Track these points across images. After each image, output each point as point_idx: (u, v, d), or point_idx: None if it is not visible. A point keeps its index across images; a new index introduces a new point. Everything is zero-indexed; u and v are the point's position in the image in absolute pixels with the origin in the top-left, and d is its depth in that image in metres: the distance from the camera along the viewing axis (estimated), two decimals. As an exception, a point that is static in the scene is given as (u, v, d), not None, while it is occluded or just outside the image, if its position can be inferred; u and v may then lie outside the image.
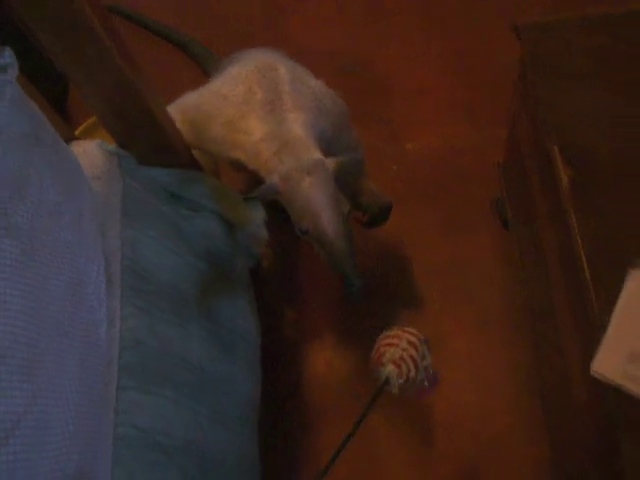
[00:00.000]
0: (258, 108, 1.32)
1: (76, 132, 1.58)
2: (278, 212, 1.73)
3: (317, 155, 1.27)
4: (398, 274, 1.84)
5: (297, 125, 1.31)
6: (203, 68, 2.09)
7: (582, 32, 1.32)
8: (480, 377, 1.70)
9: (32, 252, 0.88)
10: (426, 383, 1.15)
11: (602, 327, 1.05)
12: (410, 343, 1.11)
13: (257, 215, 1.47)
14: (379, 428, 1.65)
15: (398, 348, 1.10)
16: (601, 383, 1.03)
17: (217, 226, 1.38)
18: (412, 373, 1.10)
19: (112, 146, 1.26)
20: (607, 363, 1.04)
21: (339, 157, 1.30)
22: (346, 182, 1.44)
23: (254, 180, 1.44)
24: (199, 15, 2.34)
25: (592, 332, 1.07)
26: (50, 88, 1.74)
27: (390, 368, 1.09)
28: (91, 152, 1.23)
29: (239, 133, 1.33)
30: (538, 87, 1.26)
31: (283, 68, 1.39)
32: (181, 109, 1.46)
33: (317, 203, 1.23)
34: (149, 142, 1.33)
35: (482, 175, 1.87)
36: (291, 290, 1.85)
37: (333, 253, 1.25)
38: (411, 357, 1.10)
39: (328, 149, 1.35)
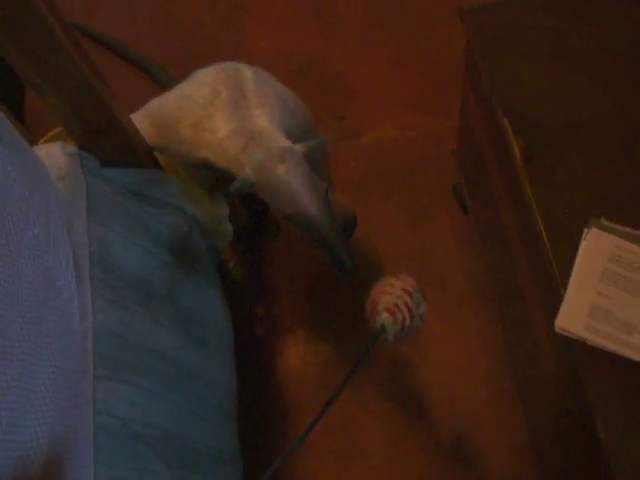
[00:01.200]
0: (224, 107, 1.33)
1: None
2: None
3: (285, 143, 1.28)
4: (365, 265, 1.85)
5: (262, 119, 1.32)
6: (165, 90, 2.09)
7: (525, 12, 1.37)
8: (452, 359, 1.73)
9: None
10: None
11: (564, 288, 1.10)
12: (404, 291, 1.10)
13: (221, 211, 1.49)
14: (353, 410, 1.68)
15: (392, 296, 1.09)
16: (566, 340, 1.07)
17: (182, 222, 1.40)
18: (407, 321, 1.09)
19: (74, 148, 1.27)
20: (570, 319, 1.08)
21: (305, 142, 1.30)
22: None
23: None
24: (152, 24, 2.36)
25: (555, 296, 1.10)
26: (8, 95, 1.74)
27: (385, 316, 1.08)
28: (54, 154, 1.24)
29: (205, 132, 1.34)
30: (484, 64, 1.30)
31: (247, 70, 1.42)
32: (148, 114, 1.47)
33: (295, 187, 1.23)
34: (111, 144, 1.34)
35: (439, 163, 1.91)
36: (260, 287, 1.87)
37: (320, 233, 1.24)
38: (406, 304, 1.09)
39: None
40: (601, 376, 1.04)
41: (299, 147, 1.28)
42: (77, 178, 1.20)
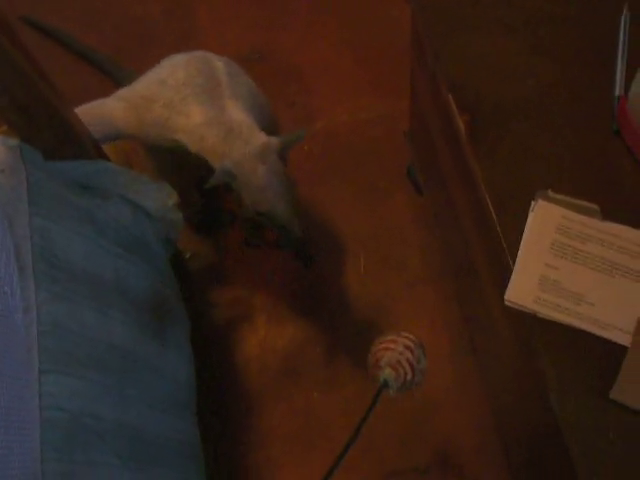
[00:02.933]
0: (199, 92, 1.36)
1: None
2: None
3: (263, 137, 1.32)
4: (324, 250, 1.86)
5: (239, 111, 1.35)
6: (116, 83, 2.05)
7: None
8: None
9: None
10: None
11: (513, 262, 1.10)
12: (406, 347, 1.12)
13: (169, 199, 1.47)
14: (315, 394, 1.68)
15: (395, 352, 1.12)
16: (517, 313, 1.07)
17: (130, 213, 1.38)
18: (409, 376, 1.11)
19: (15, 141, 1.24)
20: (519, 292, 1.08)
21: (282, 136, 1.35)
22: None
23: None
24: (99, 15, 2.33)
25: (505, 270, 1.10)
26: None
27: (388, 371, 1.10)
28: (-8, 148, 1.21)
29: (180, 115, 1.36)
30: (428, 41, 1.30)
31: (218, 61, 1.45)
32: (121, 97, 1.48)
33: (273, 190, 1.29)
34: (53, 137, 1.32)
35: (392, 144, 1.91)
36: (216, 276, 1.86)
37: (287, 232, 1.33)
38: (408, 360, 1.11)
39: None
40: (552, 347, 1.04)
41: (275, 142, 1.32)
42: (17, 171, 1.17)
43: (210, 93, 1.36)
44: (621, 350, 1.01)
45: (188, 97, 1.36)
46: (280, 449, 1.61)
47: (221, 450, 1.61)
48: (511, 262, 1.09)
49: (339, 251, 1.84)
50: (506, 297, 1.08)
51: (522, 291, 1.08)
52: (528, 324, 1.06)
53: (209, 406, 1.59)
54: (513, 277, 1.09)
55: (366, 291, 1.78)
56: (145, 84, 1.46)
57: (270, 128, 1.51)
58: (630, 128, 1.15)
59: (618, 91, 1.20)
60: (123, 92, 1.50)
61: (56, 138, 1.32)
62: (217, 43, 2.18)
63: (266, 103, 1.56)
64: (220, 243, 1.89)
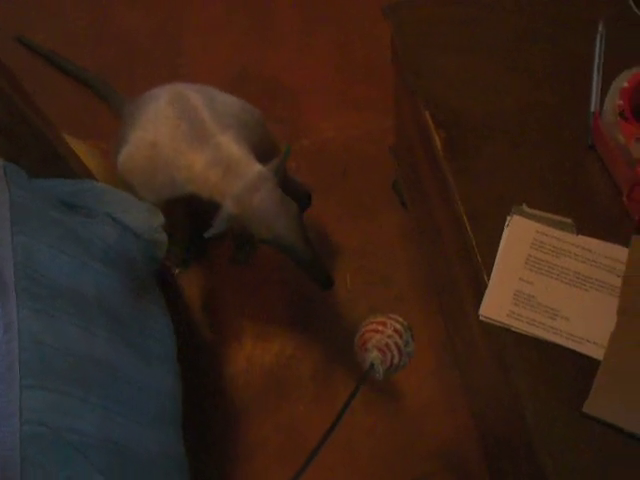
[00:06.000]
0: (189, 140, 1.37)
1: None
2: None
3: (257, 167, 1.34)
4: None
5: (231, 145, 1.37)
6: (109, 105, 2.08)
7: (443, 5, 1.39)
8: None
9: None
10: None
11: (488, 277, 1.11)
12: (395, 330, 1.12)
13: (155, 220, 1.49)
14: (300, 408, 1.69)
15: (384, 335, 1.11)
16: (492, 327, 1.08)
17: (114, 231, 1.39)
18: (396, 359, 1.11)
19: (-1, 160, 1.26)
20: (493, 306, 1.09)
21: (273, 161, 1.36)
22: None
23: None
24: (88, 36, 2.35)
25: (481, 285, 1.12)
26: None
27: (375, 354, 1.10)
28: (-26, 166, 1.23)
29: (182, 170, 1.39)
30: (406, 58, 1.32)
31: (192, 94, 1.44)
32: (125, 170, 1.51)
33: (270, 214, 1.31)
34: (38, 156, 1.35)
35: (379, 160, 1.93)
36: (205, 292, 1.87)
37: (296, 254, 1.34)
38: (396, 344, 1.11)
39: (258, 155, 1.41)
40: (526, 361, 1.05)
41: (269, 169, 1.34)
42: (0, 190, 1.18)
43: (199, 136, 1.37)
44: (595, 364, 1.03)
45: (181, 150, 1.38)
46: (265, 463, 1.62)
47: (207, 464, 1.61)
48: (486, 277, 1.11)
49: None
50: (480, 312, 1.09)
51: (496, 306, 1.09)
52: (502, 338, 1.07)
53: (195, 420, 1.60)
54: (487, 292, 1.10)
55: (352, 306, 1.79)
56: (138, 151, 1.47)
57: (262, 136, 1.54)
58: (603, 143, 1.17)
59: (594, 107, 1.22)
60: (125, 161, 1.51)
61: (41, 158, 1.35)
62: (205, 61, 2.21)
63: (250, 113, 1.56)
64: (208, 260, 1.90)
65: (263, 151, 1.47)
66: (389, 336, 1.11)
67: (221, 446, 1.65)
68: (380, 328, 1.12)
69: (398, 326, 1.12)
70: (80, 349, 1.17)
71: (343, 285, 1.82)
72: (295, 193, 1.68)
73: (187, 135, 1.38)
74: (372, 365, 1.10)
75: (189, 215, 1.72)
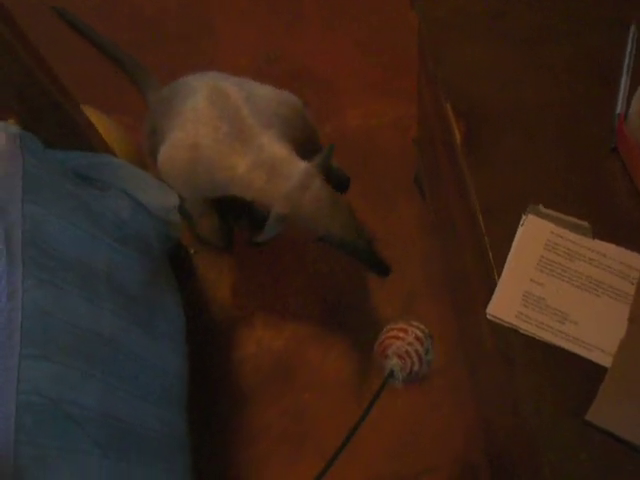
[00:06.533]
0: (230, 141, 1.37)
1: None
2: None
3: (302, 165, 1.33)
4: (332, 250, 1.85)
5: (274, 145, 1.36)
6: (139, 87, 2.07)
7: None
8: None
9: None
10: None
11: (498, 275, 1.09)
12: (416, 337, 1.12)
13: (169, 200, 1.49)
14: (306, 396, 1.69)
15: (404, 342, 1.11)
16: (499, 327, 1.06)
17: (129, 207, 1.39)
18: (416, 367, 1.11)
19: (14, 127, 1.26)
20: (502, 306, 1.07)
21: (317, 157, 1.36)
22: None
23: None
24: (116, 12, 2.34)
25: (491, 283, 1.09)
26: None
27: (395, 361, 1.10)
28: (-10, 132, 1.23)
29: (225, 171, 1.38)
30: (430, 48, 1.29)
31: (231, 90, 1.42)
32: (166, 170, 1.51)
33: (323, 213, 1.31)
34: (56, 129, 1.35)
35: (402, 151, 1.91)
36: (219, 273, 1.86)
37: (352, 248, 1.34)
38: (416, 352, 1.11)
39: (300, 147, 1.42)
40: (532, 364, 1.03)
41: (314, 166, 1.34)
42: (14, 157, 1.18)
43: (241, 137, 1.36)
44: (601, 371, 1.00)
45: (224, 151, 1.37)
46: (269, 448, 1.62)
47: (210, 446, 1.62)
48: (496, 275, 1.08)
49: (342, 256, 1.83)
50: (488, 310, 1.07)
51: (505, 306, 1.07)
52: (509, 339, 1.05)
53: (201, 401, 1.60)
54: (497, 291, 1.08)
55: (365, 296, 1.77)
56: (179, 153, 1.46)
57: (303, 128, 1.54)
58: (627, 146, 1.13)
59: (620, 109, 1.19)
60: (166, 163, 1.51)
61: (58, 129, 1.35)
62: (232, 43, 2.19)
63: (290, 106, 1.54)
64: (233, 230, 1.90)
65: (304, 141, 1.46)
66: (409, 343, 1.11)
67: (225, 429, 1.65)
68: (401, 335, 1.12)
69: (419, 333, 1.13)
70: (85, 323, 1.17)
71: (359, 276, 1.81)
72: (336, 179, 1.68)
73: (228, 136, 1.37)
74: (392, 372, 1.10)
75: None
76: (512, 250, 1.10)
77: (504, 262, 1.09)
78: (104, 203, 1.34)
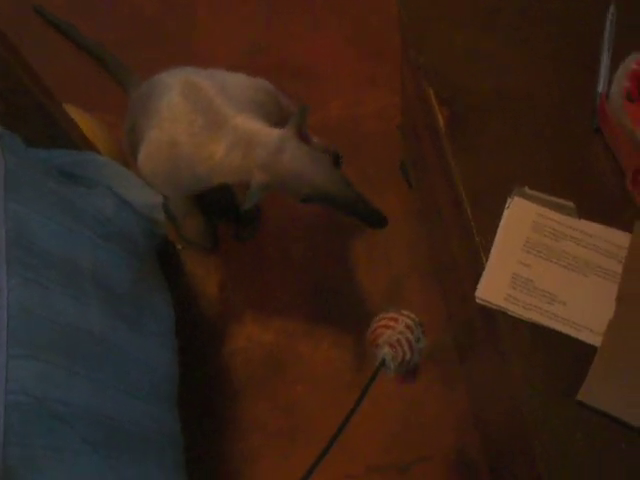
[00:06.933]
0: (207, 132, 1.36)
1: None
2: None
3: (275, 132, 1.33)
4: (316, 240, 1.87)
5: (248, 123, 1.35)
6: (121, 85, 2.04)
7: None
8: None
9: None
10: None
11: (486, 258, 1.09)
12: (407, 326, 1.12)
13: (153, 198, 1.48)
14: (299, 389, 1.69)
15: (395, 331, 1.11)
16: (489, 311, 1.06)
17: (113, 204, 1.38)
18: (407, 356, 1.11)
19: (-4, 127, 1.25)
20: (490, 289, 1.07)
21: (290, 121, 1.34)
22: None
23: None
24: (98, 11, 2.32)
25: (479, 267, 1.10)
26: None
27: (386, 350, 1.10)
28: (-30, 132, 1.22)
29: (205, 162, 1.37)
30: (411, 33, 1.29)
31: (204, 83, 1.42)
32: (147, 171, 1.50)
33: (303, 169, 1.29)
34: (38, 127, 1.35)
35: (387, 139, 1.90)
36: (207, 268, 1.86)
37: (341, 201, 1.30)
38: (407, 340, 1.11)
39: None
40: (522, 345, 1.03)
41: (289, 130, 1.32)
42: (-5, 157, 1.17)
43: (215, 125, 1.36)
44: (591, 351, 1.01)
45: (202, 142, 1.37)
46: (261, 441, 1.62)
47: (202, 441, 1.61)
48: (484, 258, 1.09)
49: (328, 244, 1.85)
50: (477, 294, 1.07)
51: (493, 288, 1.07)
52: (498, 322, 1.06)
53: (192, 397, 1.59)
54: (485, 274, 1.08)
55: (353, 287, 1.77)
56: (161, 152, 1.45)
57: (279, 112, 1.54)
58: (609, 126, 1.14)
59: (601, 88, 1.19)
60: (146, 163, 1.50)
61: (40, 128, 1.35)
62: (217, 37, 2.18)
63: (263, 90, 1.55)
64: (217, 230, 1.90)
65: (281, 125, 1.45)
66: (400, 332, 1.11)
67: (217, 424, 1.65)
68: (391, 324, 1.12)
69: (409, 322, 1.13)
70: (72, 320, 1.16)
71: (347, 261, 1.81)
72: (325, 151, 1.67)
73: (204, 128, 1.36)
74: (383, 361, 1.10)
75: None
76: (499, 233, 1.10)
77: (491, 246, 1.09)
78: (88, 200, 1.33)
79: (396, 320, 1.13)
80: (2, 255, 1.08)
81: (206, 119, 1.36)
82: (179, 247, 1.85)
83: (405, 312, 1.15)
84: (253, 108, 1.42)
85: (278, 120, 1.48)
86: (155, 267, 1.51)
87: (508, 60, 1.25)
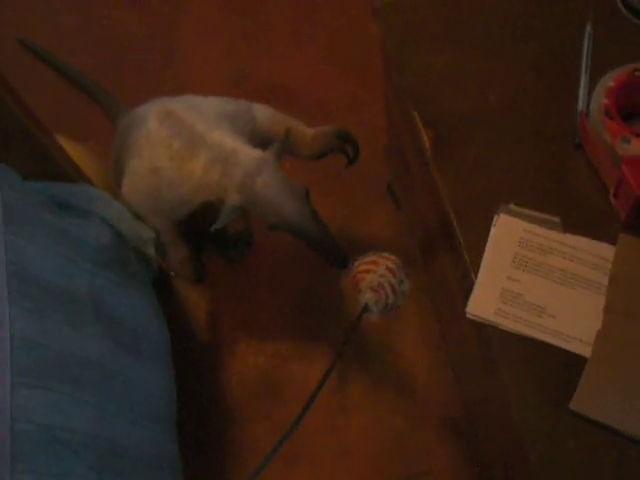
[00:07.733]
0: (184, 152, 1.36)
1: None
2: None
3: (254, 154, 1.32)
4: (307, 261, 1.87)
5: (225, 139, 1.35)
6: (108, 115, 2.06)
7: (435, 6, 1.39)
8: (396, 352, 1.75)
9: None
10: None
11: (475, 275, 1.12)
12: (388, 269, 1.11)
13: (145, 232, 1.50)
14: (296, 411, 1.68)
15: (376, 275, 1.10)
16: (479, 325, 1.09)
17: (108, 232, 1.40)
18: (391, 299, 1.10)
19: (-8, 162, 1.27)
20: (480, 304, 1.10)
21: (273, 145, 1.33)
22: None
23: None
24: (83, 38, 2.35)
25: (469, 284, 1.12)
26: None
27: (369, 295, 1.09)
28: (-35, 166, 1.24)
29: (186, 183, 1.38)
30: (394, 57, 1.33)
31: (178, 107, 1.43)
32: (131, 200, 1.51)
33: (274, 198, 1.27)
34: (28, 157, 1.36)
35: (374, 161, 1.91)
36: (200, 294, 1.87)
37: (308, 237, 1.28)
38: (389, 283, 1.10)
39: (265, 141, 1.40)
40: (513, 358, 1.06)
41: (269, 153, 1.32)
42: (-7, 190, 1.20)
43: (192, 144, 1.36)
44: (581, 361, 1.03)
45: (181, 165, 1.37)
46: (259, 464, 1.62)
47: (202, 464, 1.62)
48: (474, 275, 1.11)
49: (318, 266, 1.85)
50: (468, 309, 1.10)
51: (484, 304, 1.10)
52: (490, 336, 1.08)
53: (189, 421, 1.60)
54: (475, 290, 1.11)
55: (345, 307, 1.79)
56: (142, 180, 1.46)
57: (252, 126, 1.51)
58: (590, 142, 1.17)
59: (581, 106, 1.23)
60: (130, 193, 1.51)
61: (32, 160, 1.37)
62: (200, 64, 2.21)
63: (237, 105, 1.54)
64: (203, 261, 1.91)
65: (261, 141, 1.45)
66: (381, 275, 1.09)
67: (215, 447, 1.66)
68: (372, 268, 1.11)
69: (391, 264, 1.11)
70: (71, 348, 1.18)
71: (336, 285, 1.83)
72: (330, 134, 1.66)
73: (182, 149, 1.36)
74: (366, 306, 1.08)
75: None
76: (487, 250, 1.13)
77: (480, 262, 1.12)
78: (84, 230, 1.35)
79: (376, 263, 1.11)
80: (3, 286, 1.10)
81: (183, 140, 1.37)
82: (173, 274, 1.87)
83: (385, 254, 1.13)
84: (228, 123, 1.42)
85: (255, 136, 1.47)
86: (151, 293, 1.53)
87: (489, 79, 1.29)
